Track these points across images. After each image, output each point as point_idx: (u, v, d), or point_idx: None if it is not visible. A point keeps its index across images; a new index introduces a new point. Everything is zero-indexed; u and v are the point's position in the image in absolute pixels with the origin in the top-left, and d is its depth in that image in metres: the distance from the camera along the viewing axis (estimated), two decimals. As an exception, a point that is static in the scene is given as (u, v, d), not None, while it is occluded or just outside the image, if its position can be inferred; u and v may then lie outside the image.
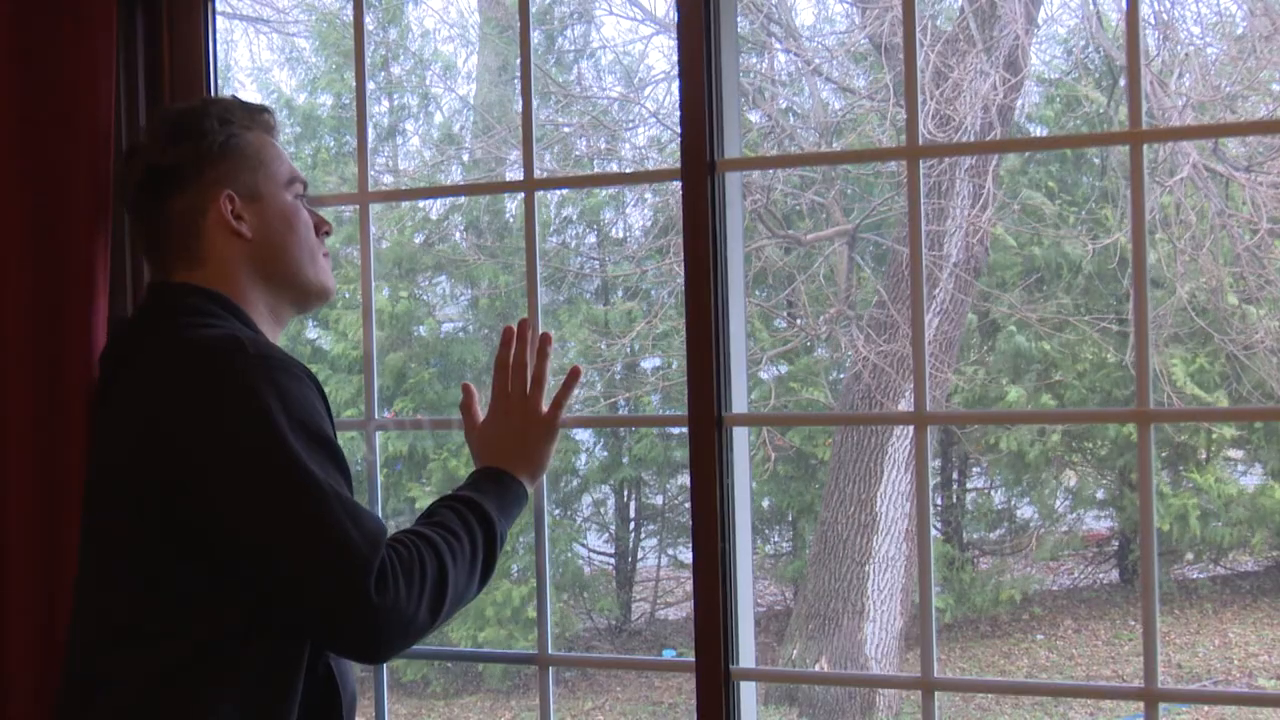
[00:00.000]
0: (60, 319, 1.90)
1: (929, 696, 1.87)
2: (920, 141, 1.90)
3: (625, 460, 9.90)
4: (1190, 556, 9.87)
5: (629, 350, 9.40)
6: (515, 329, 1.93)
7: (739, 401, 1.93)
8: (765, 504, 9.72)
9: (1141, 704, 1.79)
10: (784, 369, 9.28)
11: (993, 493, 10.28)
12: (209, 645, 1.61)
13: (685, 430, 1.92)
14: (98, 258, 1.91)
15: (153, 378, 1.67)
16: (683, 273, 1.94)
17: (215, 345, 1.66)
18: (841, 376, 8.94)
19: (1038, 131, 9.60)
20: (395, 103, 10.35)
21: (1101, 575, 10.15)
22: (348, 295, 9.01)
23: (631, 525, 10.40)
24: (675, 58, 2.34)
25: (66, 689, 1.71)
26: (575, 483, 10.00)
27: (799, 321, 9.03)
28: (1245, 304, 8.45)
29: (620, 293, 9.70)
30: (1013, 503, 10.09)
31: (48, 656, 1.89)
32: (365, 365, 2.17)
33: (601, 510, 10.40)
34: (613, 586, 10.18)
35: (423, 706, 9.05)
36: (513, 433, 1.88)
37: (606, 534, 10.45)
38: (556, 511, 9.72)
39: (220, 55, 2.16)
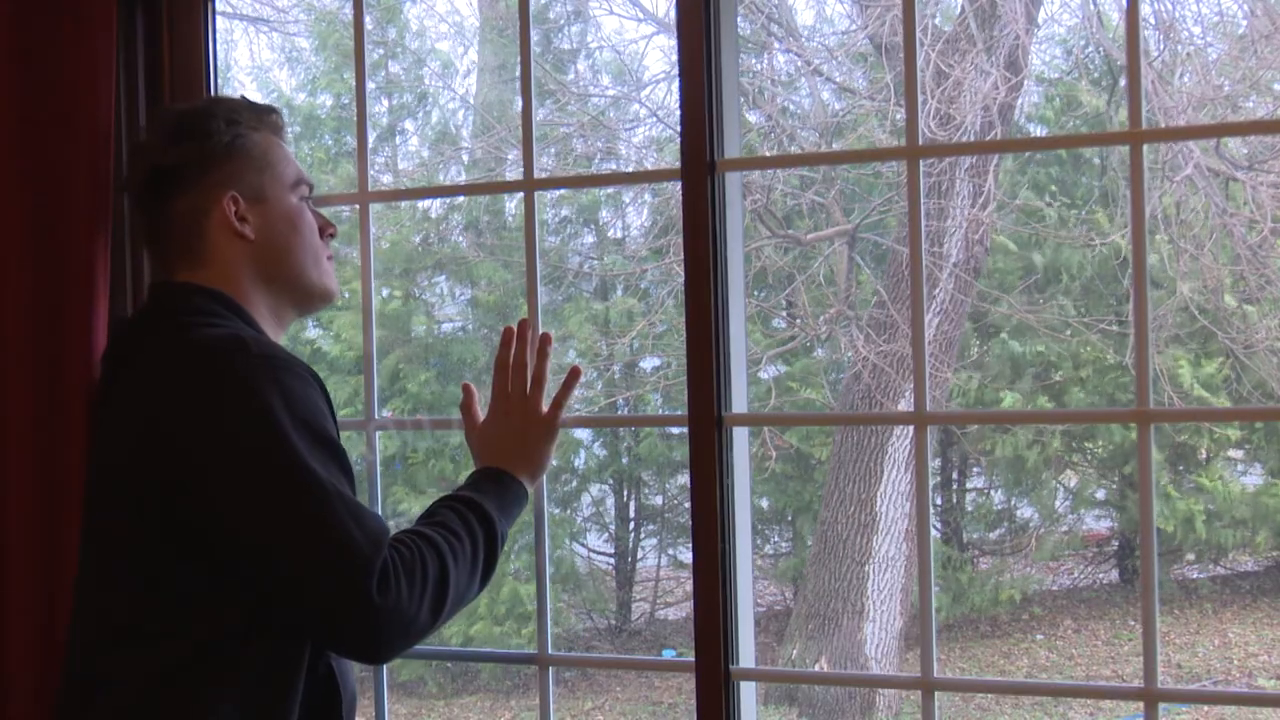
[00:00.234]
0: (60, 319, 1.90)
1: (929, 696, 1.87)
2: (920, 141, 1.90)
3: (625, 460, 9.91)
4: (1190, 556, 9.87)
5: (629, 350, 9.40)
6: (515, 329, 1.93)
7: (739, 401, 1.93)
8: (764, 504, 9.72)
9: (1141, 704, 1.79)
10: (783, 369, 9.28)
11: (992, 493, 10.28)
12: (209, 645, 1.61)
13: (685, 430, 1.92)
14: (98, 258, 1.91)
15: (153, 377, 1.67)
16: (683, 273, 1.94)
17: (216, 345, 1.66)
18: (841, 376, 8.94)
19: (1038, 131, 9.60)
20: (394, 102, 10.35)
21: (1101, 575, 10.15)
22: (347, 295, 9.01)
23: (631, 525, 10.40)
24: (675, 57, 2.34)
25: (66, 689, 1.71)
26: (574, 482, 10.01)
27: (799, 321, 9.03)
28: (1245, 304, 8.46)
29: (620, 290, 9.70)
30: (1012, 503, 10.09)
31: (48, 656, 1.89)
32: (365, 365, 2.18)
33: (601, 510, 10.41)
34: (612, 586, 10.18)
35: (422, 706, 9.04)
36: (513, 433, 1.88)
37: (606, 534, 10.45)
38: (555, 510, 9.73)
39: (220, 55, 2.16)
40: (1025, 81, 8.41)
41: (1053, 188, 9.28)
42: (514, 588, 8.83)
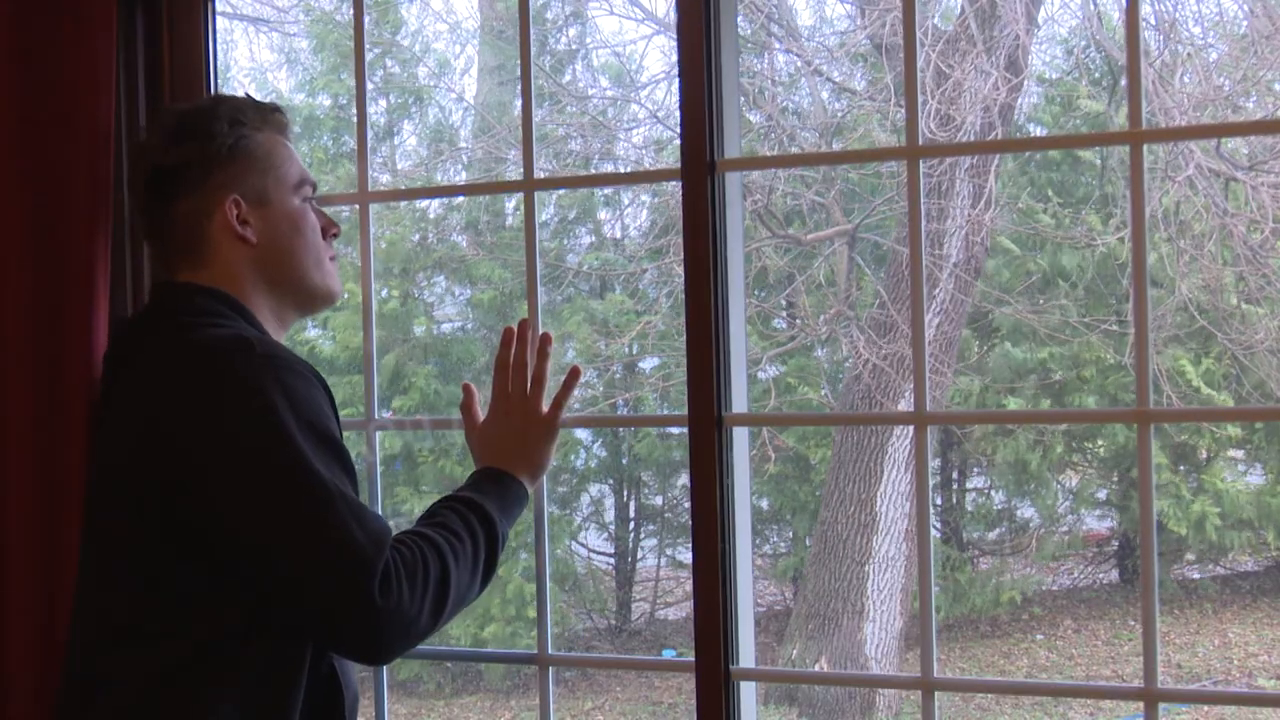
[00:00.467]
0: (60, 319, 1.90)
1: (929, 696, 1.87)
2: (920, 141, 1.90)
3: (625, 460, 9.90)
4: (1191, 557, 9.87)
5: (629, 350, 9.40)
6: (515, 329, 1.93)
7: (739, 401, 1.93)
8: (764, 504, 9.72)
9: (1141, 704, 1.79)
10: (782, 368, 9.28)
11: (993, 493, 10.27)
12: (209, 645, 1.61)
13: (685, 430, 1.92)
14: (98, 258, 1.91)
15: (153, 378, 1.67)
16: (682, 273, 1.94)
17: (217, 345, 1.66)
18: (841, 377, 8.94)
19: (1038, 132, 9.60)
20: (393, 102, 10.35)
21: (1101, 575, 10.15)
22: (346, 295, 9.00)
23: (631, 525, 10.40)
24: (675, 58, 2.34)
25: (66, 689, 1.71)
26: (574, 481, 10.01)
27: (799, 322, 9.02)
28: (1246, 304, 8.46)
29: (618, 289, 9.70)
30: (1013, 503, 10.08)
31: (48, 656, 1.89)
32: (365, 365, 2.18)
33: (601, 510, 10.40)
34: (612, 586, 10.18)
35: (423, 706, 9.04)
36: (513, 433, 1.88)
37: (606, 534, 10.45)
38: (554, 509, 9.72)
39: (220, 55, 2.16)
40: (1025, 82, 8.41)
41: (1049, 190, 9.28)
42: (519, 586, 8.82)
